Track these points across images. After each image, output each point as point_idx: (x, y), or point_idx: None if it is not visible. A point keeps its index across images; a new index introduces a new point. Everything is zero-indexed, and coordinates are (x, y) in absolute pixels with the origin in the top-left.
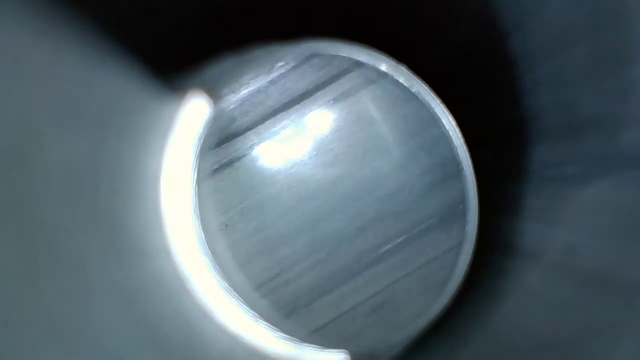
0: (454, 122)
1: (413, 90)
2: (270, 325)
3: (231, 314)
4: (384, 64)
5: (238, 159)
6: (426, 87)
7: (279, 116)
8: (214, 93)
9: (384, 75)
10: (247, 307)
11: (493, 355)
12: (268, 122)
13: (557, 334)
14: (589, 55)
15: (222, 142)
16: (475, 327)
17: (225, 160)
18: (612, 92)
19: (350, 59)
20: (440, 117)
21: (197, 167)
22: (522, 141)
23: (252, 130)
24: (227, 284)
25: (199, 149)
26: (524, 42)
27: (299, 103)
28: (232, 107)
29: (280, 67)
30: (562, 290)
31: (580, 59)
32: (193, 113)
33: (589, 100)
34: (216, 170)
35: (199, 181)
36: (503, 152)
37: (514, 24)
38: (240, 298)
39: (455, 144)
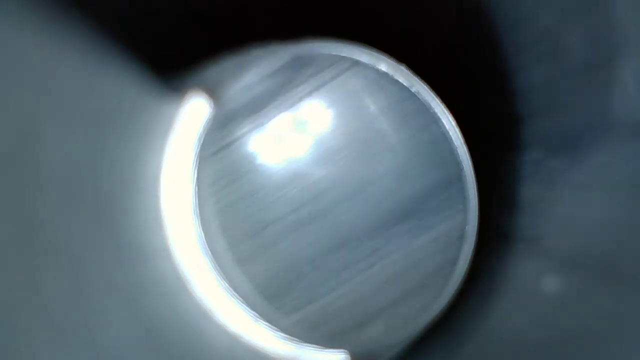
0: (454, 122)
1: (413, 90)
2: (270, 325)
3: (231, 314)
4: (384, 64)
5: (238, 158)
6: (426, 87)
7: (279, 116)
8: (214, 93)
9: (384, 75)
10: (247, 307)
11: (493, 356)
12: (268, 122)
13: (559, 334)
14: (580, 46)
15: (222, 142)
16: (476, 327)
17: (226, 160)
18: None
19: (350, 58)
20: (440, 117)
21: (197, 167)
22: (522, 139)
23: (252, 131)
24: (227, 284)
25: (199, 149)
26: (522, 40)
27: (299, 103)
28: (232, 107)
29: (280, 67)
30: (564, 288)
31: (573, 50)
32: (193, 113)
33: (585, 88)
34: (216, 170)
35: (199, 181)
36: (503, 151)
37: (513, 22)
38: (240, 298)
39: (455, 144)
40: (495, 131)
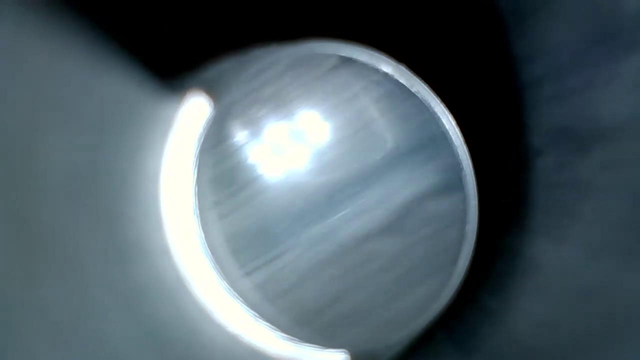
0: (454, 122)
1: (413, 90)
2: (270, 325)
3: (231, 314)
4: (384, 64)
5: (238, 159)
6: (426, 87)
7: (278, 117)
8: (214, 93)
9: (384, 75)
10: (247, 307)
11: (502, 355)
12: (268, 122)
13: (573, 335)
14: (583, 45)
15: (222, 143)
16: (478, 328)
17: (225, 160)
18: (603, 75)
19: (350, 58)
20: (440, 117)
21: (197, 167)
22: (522, 139)
23: (252, 131)
24: (227, 284)
25: (199, 149)
26: (523, 39)
27: (299, 103)
28: (232, 107)
29: (280, 67)
30: (586, 280)
31: (576, 50)
32: (193, 113)
33: (586, 89)
34: (216, 170)
35: (199, 181)
36: (504, 150)
37: (513, 20)
38: (240, 298)
39: (455, 143)
40: (496, 131)
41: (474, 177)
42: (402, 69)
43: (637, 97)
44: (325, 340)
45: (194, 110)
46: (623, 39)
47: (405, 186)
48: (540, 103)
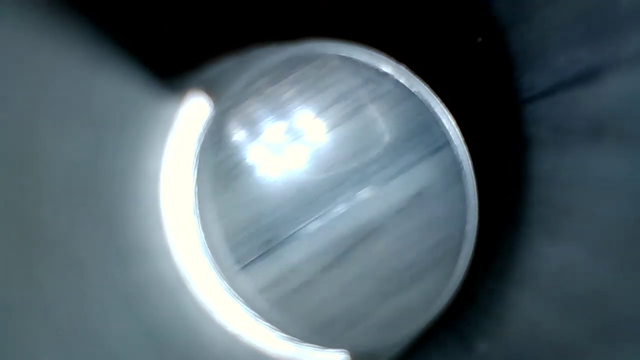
0: (454, 122)
1: (413, 90)
2: (270, 325)
3: (231, 314)
4: (384, 64)
5: (238, 159)
6: (426, 87)
7: (278, 116)
8: (214, 93)
9: (384, 75)
10: (247, 307)
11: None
12: (267, 122)
13: (580, 331)
14: (582, 42)
15: (222, 143)
16: (478, 328)
17: (225, 160)
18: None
19: (350, 59)
20: (440, 117)
21: (197, 167)
22: (522, 138)
23: (252, 130)
24: (227, 284)
25: (199, 149)
26: (522, 40)
27: (298, 103)
28: (231, 107)
29: (280, 67)
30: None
31: (575, 47)
32: (193, 113)
33: (584, 86)
34: (216, 170)
35: (199, 181)
36: (504, 150)
37: (512, 21)
38: (240, 298)
39: (455, 143)
40: (496, 131)
41: (474, 177)
42: (402, 69)
43: (636, 93)
44: (325, 340)
45: (194, 110)
46: (619, 34)
47: (404, 186)
48: (540, 101)
